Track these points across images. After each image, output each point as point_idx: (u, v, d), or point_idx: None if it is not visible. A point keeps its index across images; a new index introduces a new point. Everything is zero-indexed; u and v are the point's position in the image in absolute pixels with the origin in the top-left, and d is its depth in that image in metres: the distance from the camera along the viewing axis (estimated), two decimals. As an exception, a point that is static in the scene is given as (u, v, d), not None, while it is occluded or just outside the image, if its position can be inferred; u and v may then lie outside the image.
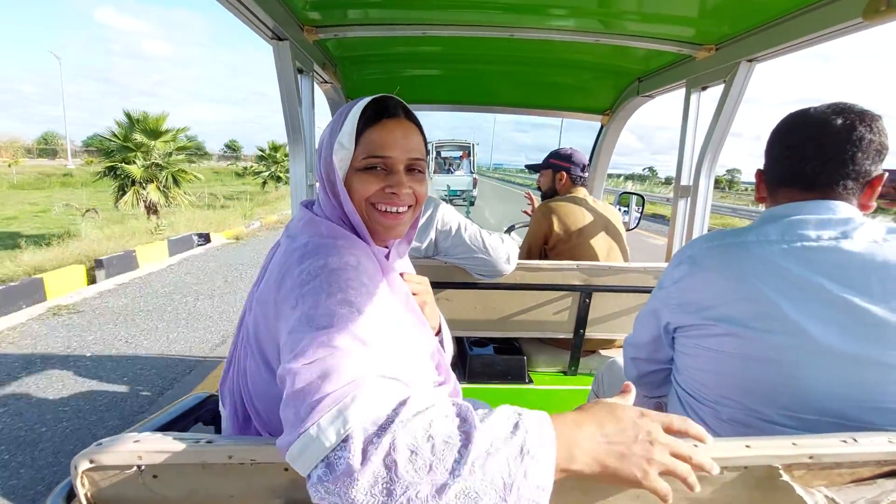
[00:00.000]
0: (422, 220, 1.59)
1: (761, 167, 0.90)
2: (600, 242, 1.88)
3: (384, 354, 0.56)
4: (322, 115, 1.82)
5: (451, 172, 17.52)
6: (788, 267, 0.74)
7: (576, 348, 1.86)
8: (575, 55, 2.02)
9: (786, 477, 0.55)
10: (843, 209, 0.78)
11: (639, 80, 2.28)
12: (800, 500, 0.55)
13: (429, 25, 1.64)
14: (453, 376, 0.89)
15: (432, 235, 1.60)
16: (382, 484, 0.42)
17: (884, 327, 0.69)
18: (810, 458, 0.56)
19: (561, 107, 2.81)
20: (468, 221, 1.63)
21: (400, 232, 0.76)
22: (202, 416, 1.00)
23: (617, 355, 1.42)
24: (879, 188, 0.80)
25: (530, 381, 1.89)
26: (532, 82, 2.45)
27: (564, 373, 1.94)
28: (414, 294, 0.83)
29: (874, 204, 0.82)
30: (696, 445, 0.54)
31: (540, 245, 1.94)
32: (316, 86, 2.09)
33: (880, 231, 0.75)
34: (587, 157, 2.03)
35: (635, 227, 2.61)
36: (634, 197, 2.73)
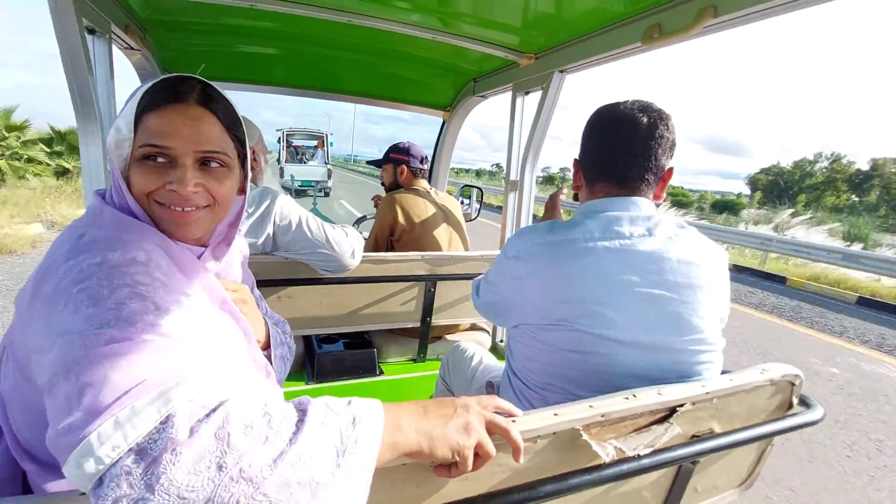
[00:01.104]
0: (258, 213, 1.45)
1: (578, 157, 0.96)
2: (443, 232, 1.97)
3: (198, 352, 0.50)
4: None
5: (305, 162, 16.62)
6: (610, 265, 0.81)
7: (423, 336, 1.91)
8: (416, 50, 2.05)
9: (585, 436, 0.64)
10: (646, 205, 0.87)
11: (474, 80, 2.42)
12: (595, 454, 0.64)
13: None
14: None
15: (270, 230, 1.47)
16: (212, 457, 0.38)
17: (676, 317, 0.81)
18: (602, 416, 0.65)
19: (404, 100, 2.84)
20: (310, 214, 1.54)
21: (192, 232, 0.66)
22: None
23: (461, 339, 1.51)
24: (669, 181, 0.91)
25: (381, 373, 1.89)
26: (375, 72, 2.42)
27: (414, 360, 1.99)
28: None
29: (664, 195, 0.93)
30: (514, 420, 0.59)
31: (386, 236, 1.94)
32: (121, 53, 1.73)
33: (673, 227, 0.87)
34: (425, 151, 2.09)
35: (476, 218, 2.80)
36: (475, 190, 2.93)
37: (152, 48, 1.88)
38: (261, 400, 0.44)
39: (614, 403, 0.67)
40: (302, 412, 0.44)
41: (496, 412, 0.58)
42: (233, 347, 0.67)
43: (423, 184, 2.03)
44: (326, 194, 15.94)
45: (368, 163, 2.51)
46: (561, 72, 1.70)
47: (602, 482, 0.63)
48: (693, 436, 0.77)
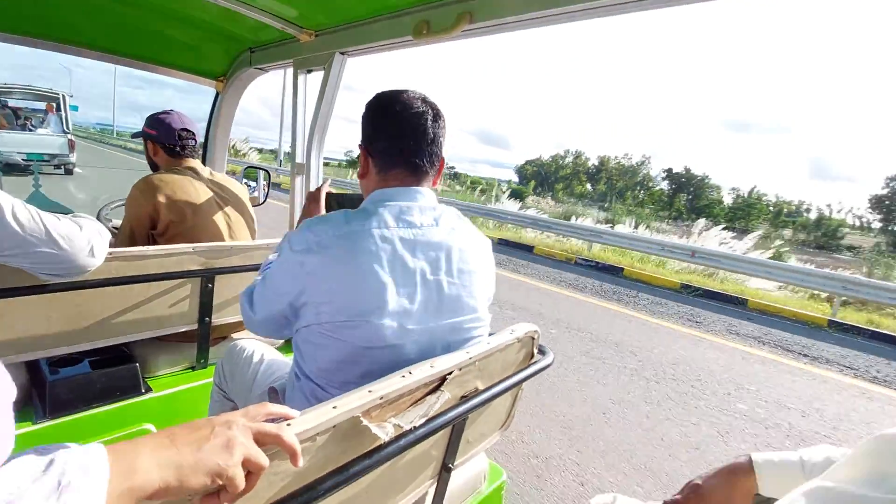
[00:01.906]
0: None
1: (363, 143, 0.94)
2: (222, 219, 1.74)
3: None
4: None
5: (31, 130, 12.30)
6: (404, 256, 0.82)
7: (203, 339, 1.69)
8: (183, 7, 1.73)
9: (365, 421, 0.66)
10: (430, 195, 0.91)
11: (251, 50, 2.19)
12: (376, 436, 0.67)
13: None
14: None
15: None
16: None
17: (457, 300, 0.88)
18: (381, 398, 0.69)
19: (169, 63, 2.39)
20: (17, 202, 1.15)
21: None
22: None
23: (241, 338, 1.38)
24: (442, 171, 0.97)
25: (149, 391, 1.60)
26: (132, 27, 1.95)
27: (193, 368, 1.74)
28: None
29: (439, 183, 0.99)
30: (289, 424, 0.57)
31: (146, 229, 1.61)
32: None
33: (454, 218, 0.93)
34: (190, 122, 1.75)
35: (265, 202, 2.58)
36: (262, 172, 2.68)
37: None
38: None
39: (392, 384, 0.71)
40: None
41: (270, 419, 0.55)
42: None
43: (191, 163, 1.73)
44: (68, 171, 12.50)
45: (133, 136, 2.02)
46: (342, 53, 1.67)
47: (384, 461, 0.67)
48: (462, 397, 0.88)
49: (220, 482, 0.46)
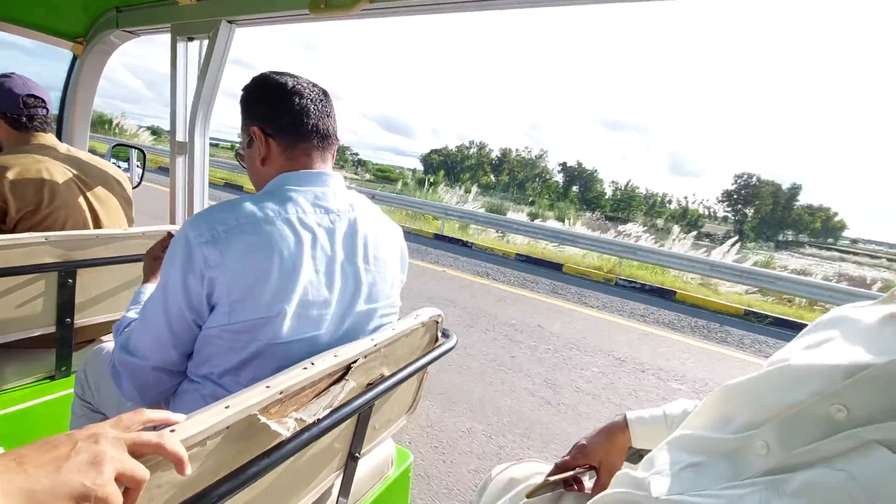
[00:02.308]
0: None
1: (259, 125, 0.85)
2: (92, 205, 1.50)
3: None
4: None
5: None
6: (324, 244, 0.79)
7: (64, 343, 1.45)
8: None
9: (262, 418, 0.62)
10: (340, 179, 0.88)
11: (117, 9, 1.90)
12: (276, 434, 0.64)
13: None
14: None
15: None
16: None
17: (372, 287, 0.88)
18: (281, 393, 0.65)
19: (13, 18, 1.97)
20: None
21: None
22: None
23: (109, 340, 1.21)
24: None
25: None
26: None
27: (52, 378, 1.50)
28: None
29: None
30: (172, 430, 0.51)
31: None
32: None
33: (366, 203, 0.92)
34: (41, 89, 1.46)
35: (139, 185, 2.27)
36: (134, 151, 2.35)
37: None
38: None
39: (293, 376, 0.68)
40: None
41: (149, 427, 0.49)
42: None
43: (44, 139, 1.45)
44: None
45: None
46: (230, 22, 1.52)
47: (286, 458, 0.63)
48: (368, 384, 0.87)
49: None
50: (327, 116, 0.88)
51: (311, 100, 0.86)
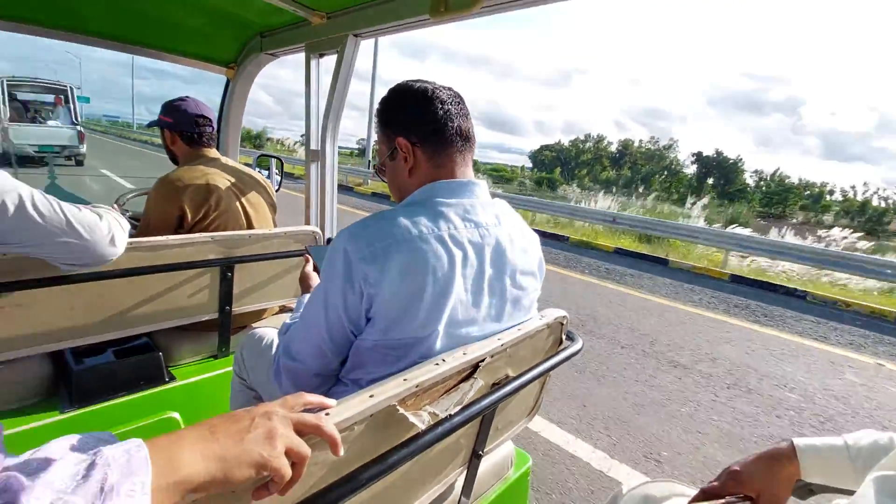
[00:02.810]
0: None
1: (401, 136, 0.84)
2: (246, 209, 1.72)
3: None
4: None
5: (41, 122, 12.70)
6: (474, 261, 0.78)
7: (223, 328, 1.69)
8: None
9: (401, 410, 0.65)
10: (485, 188, 0.86)
11: (261, 35, 2.16)
12: (412, 425, 0.66)
13: None
14: None
15: None
16: None
17: (517, 302, 0.87)
18: (416, 386, 0.67)
19: (178, 51, 2.36)
20: (36, 192, 1.14)
21: None
22: None
23: (259, 327, 1.37)
24: None
25: (172, 379, 1.61)
26: (140, 13, 1.93)
27: (215, 357, 1.75)
28: None
29: None
30: (327, 414, 0.56)
31: (171, 231, 1.59)
32: None
33: (510, 213, 0.90)
34: (206, 109, 1.71)
35: (278, 190, 2.56)
36: (274, 160, 2.67)
37: None
38: None
39: (426, 371, 0.70)
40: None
41: (308, 410, 0.53)
42: None
43: (208, 152, 1.69)
44: (79, 163, 12.82)
45: (148, 125, 2.00)
46: (356, 35, 1.63)
47: (420, 450, 0.65)
48: (493, 384, 0.87)
49: (265, 473, 0.45)
50: (466, 118, 0.86)
51: (451, 103, 0.84)
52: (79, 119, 13.63)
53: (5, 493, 0.32)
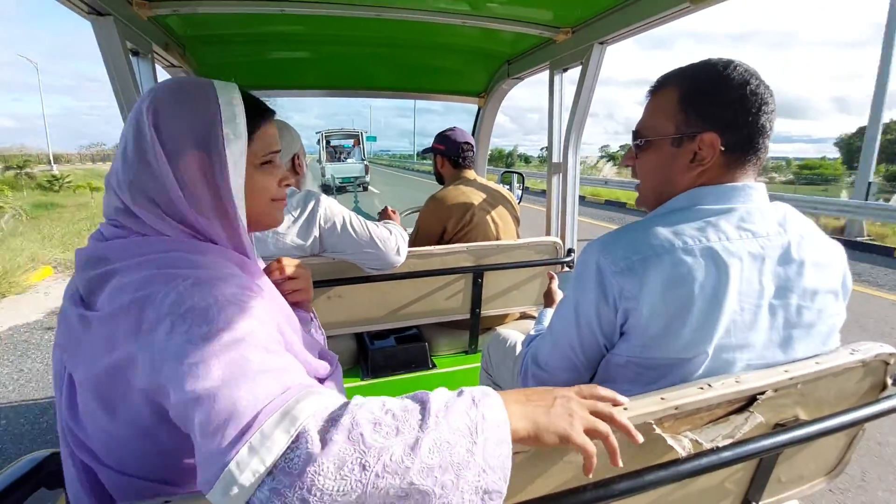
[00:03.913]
0: (304, 216, 1.48)
1: (712, 131, 0.70)
2: (493, 220, 1.93)
3: (294, 361, 0.53)
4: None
5: (343, 160, 18.09)
6: (752, 276, 0.67)
7: (473, 327, 1.91)
8: (446, 38, 2.02)
9: (658, 430, 0.61)
10: (762, 190, 0.72)
11: (508, 62, 2.36)
12: (669, 448, 0.61)
13: (287, 2, 1.50)
14: (334, 360, 0.84)
15: (316, 233, 1.50)
16: (353, 460, 0.40)
17: (808, 330, 0.71)
18: (676, 408, 0.62)
19: (438, 90, 2.82)
20: (353, 214, 1.55)
21: (280, 218, 0.75)
22: (44, 479, 0.82)
23: (504, 329, 1.48)
24: None
25: (434, 366, 1.90)
26: (406, 65, 2.41)
27: (466, 352, 1.99)
28: (293, 278, 0.86)
29: None
30: (625, 408, 0.58)
31: (434, 241, 1.92)
32: (162, 70, 1.81)
33: (798, 218, 0.74)
34: (468, 136, 1.99)
35: (519, 204, 2.75)
36: (515, 175, 2.88)
37: (192, 63, 1.95)
38: (375, 399, 0.46)
39: (688, 395, 0.63)
40: (421, 402, 0.46)
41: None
42: (294, 341, 0.69)
43: (467, 173, 1.97)
44: (365, 188, 17.14)
45: (422, 153, 2.51)
46: (601, 43, 1.61)
47: (679, 478, 0.60)
48: (776, 424, 0.71)
49: (569, 445, 0.49)
50: (767, 131, 0.71)
51: (771, 103, 0.70)
52: (365, 156, 18.57)
53: (413, 396, 0.48)
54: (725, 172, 0.72)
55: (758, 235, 0.68)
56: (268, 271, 0.84)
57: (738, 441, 0.64)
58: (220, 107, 0.61)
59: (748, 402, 0.68)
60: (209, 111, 0.61)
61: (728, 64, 0.71)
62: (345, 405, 0.44)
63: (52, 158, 30.14)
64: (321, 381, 0.73)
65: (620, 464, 0.50)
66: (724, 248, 0.66)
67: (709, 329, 0.66)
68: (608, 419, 0.52)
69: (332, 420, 0.42)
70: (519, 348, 1.30)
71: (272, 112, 0.71)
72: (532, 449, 0.53)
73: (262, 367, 0.47)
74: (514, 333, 1.39)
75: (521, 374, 0.90)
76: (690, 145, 0.72)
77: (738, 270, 0.66)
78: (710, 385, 0.65)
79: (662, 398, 0.62)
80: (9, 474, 0.75)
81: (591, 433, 0.50)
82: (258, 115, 0.67)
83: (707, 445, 0.62)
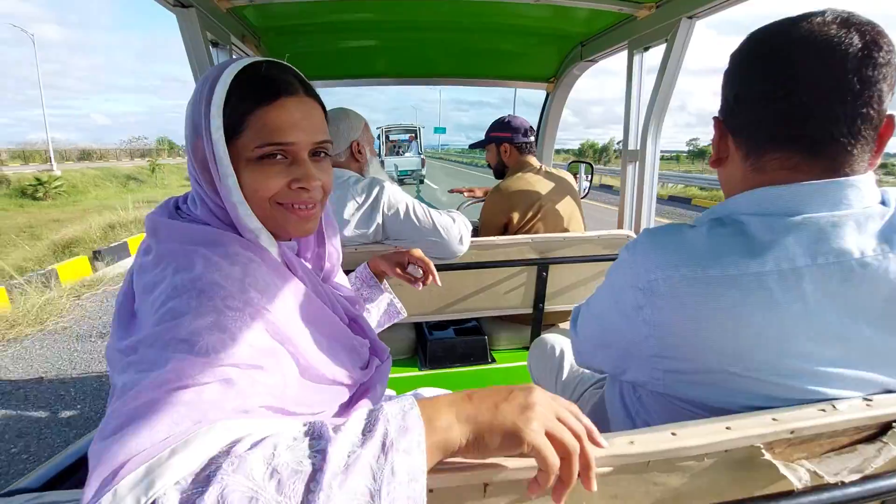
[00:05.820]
0: (367, 203, 1.47)
1: (719, 114, 0.63)
2: (561, 211, 1.84)
3: (256, 384, 0.48)
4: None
5: (401, 154, 18.72)
6: (830, 316, 0.53)
7: (536, 323, 1.83)
8: (516, 20, 1.93)
9: (767, 455, 0.51)
10: (868, 189, 0.54)
11: (581, 44, 2.23)
12: (782, 478, 0.51)
13: None
14: (384, 354, 0.80)
15: (379, 219, 1.49)
16: None
17: None
18: (791, 432, 0.52)
19: (506, 75, 2.73)
20: (416, 202, 1.53)
21: (311, 230, 0.64)
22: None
23: (549, 333, 1.40)
24: (889, 139, 0.55)
25: (493, 361, 1.85)
26: (475, 50, 2.35)
27: (527, 348, 1.91)
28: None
29: (878, 161, 0.56)
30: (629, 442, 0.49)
31: (497, 232, 1.86)
32: None
33: None
34: (529, 122, 1.93)
35: (585, 196, 2.60)
36: (583, 165, 2.72)
37: (266, 54, 2.02)
38: (268, 444, 0.37)
39: (806, 416, 0.53)
40: (320, 456, 0.36)
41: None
42: (324, 339, 0.64)
43: (532, 160, 1.89)
44: (421, 181, 17.55)
45: (471, 146, 2.43)
46: (689, 17, 1.46)
47: None
48: (916, 459, 0.59)
49: (523, 449, 0.40)
50: (847, 97, 0.52)
51: (817, 73, 0.52)
52: (422, 150, 19.11)
53: (318, 438, 0.38)
54: (762, 165, 0.60)
55: (846, 256, 0.53)
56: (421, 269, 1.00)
57: (868, 476, 0.53)
58: (214, 84, 0.57)
59: (880, 430, 0.57)
60: (204, 89, 0.57)
61: (770, 25, 0.59)
62: (221, 459, 0.36)
63: (51, 156, 25.97)
64: (350, 385, 0.68)
65: (593, 487, 0.41)
66: (787, 284, 0.54)
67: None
68: (571, 440, 0.41)
69: (198, 489, 0.34)
70: (557, 356, 1.20)
71: (277, 92, 0.57)
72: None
73: (183, 384, 0.42)
74: (556, 338, 1.29)
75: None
76: None
77: (805, 310, 0.54)
78: (834, 407, 0.55)
79: (774, 419, 0.53)
80: (54, 465, 0.76)
81: (553, 440, 0.40)
82: (250, 96, 0.56)
83: (829, 479, 0.52)
